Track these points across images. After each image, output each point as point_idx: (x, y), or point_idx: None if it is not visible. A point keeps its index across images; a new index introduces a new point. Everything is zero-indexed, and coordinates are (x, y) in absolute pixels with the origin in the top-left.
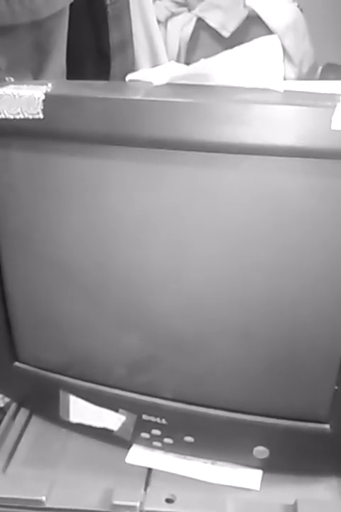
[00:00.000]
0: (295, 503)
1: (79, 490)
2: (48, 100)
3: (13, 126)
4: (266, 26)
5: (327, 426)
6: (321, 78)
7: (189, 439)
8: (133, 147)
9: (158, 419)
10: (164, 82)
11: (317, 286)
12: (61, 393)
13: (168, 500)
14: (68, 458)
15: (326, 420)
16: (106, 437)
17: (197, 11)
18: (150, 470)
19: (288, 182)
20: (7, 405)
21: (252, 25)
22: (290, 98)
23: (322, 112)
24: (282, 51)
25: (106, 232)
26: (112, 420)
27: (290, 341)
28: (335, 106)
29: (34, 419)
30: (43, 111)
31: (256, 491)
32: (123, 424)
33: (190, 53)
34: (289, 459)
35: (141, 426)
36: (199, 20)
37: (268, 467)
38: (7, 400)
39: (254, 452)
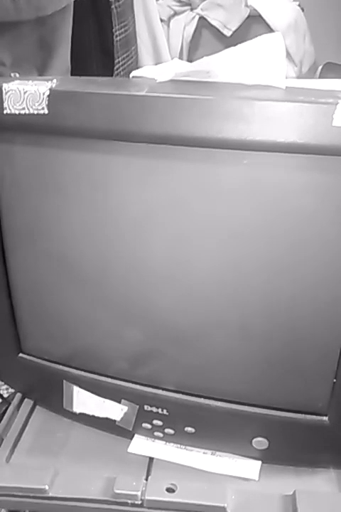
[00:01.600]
0: (294, 494)
1: (81, 479)
2: (53, 96)
3: (18, 121)
4: (268, 25)
5: (326, 418)
6: (321, 77)
7: (190, 429)
8: (137, 143)
9: (159, 410)
10: (168, 78)
11: (316, 279)
12: (65, 384)
13: (169, 490)
14: (71, 447)
15: (325, 412)
16: (108, 427)
17: (200, 10)
18: (151, 460)
19: (289, 178)
20: (11, 396)
21: (253, 24)
22: (292, 95)
23: (323, 108)
24: (285, 49)
25: (109, 226)
26: (115, 411)
27: (290, 334)
28: (337, 103)
29: (38, 409)
30: (48, 106)
31: (255, 480)
32: (126, 415)
33: (192, 52)
34: (288, 450)
35: (142, 416)
36: (202, 19)
37: (267, 458)
38: (11, 390)
39: (253, 443)
